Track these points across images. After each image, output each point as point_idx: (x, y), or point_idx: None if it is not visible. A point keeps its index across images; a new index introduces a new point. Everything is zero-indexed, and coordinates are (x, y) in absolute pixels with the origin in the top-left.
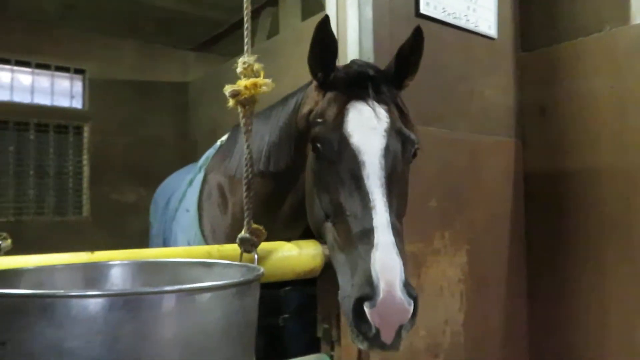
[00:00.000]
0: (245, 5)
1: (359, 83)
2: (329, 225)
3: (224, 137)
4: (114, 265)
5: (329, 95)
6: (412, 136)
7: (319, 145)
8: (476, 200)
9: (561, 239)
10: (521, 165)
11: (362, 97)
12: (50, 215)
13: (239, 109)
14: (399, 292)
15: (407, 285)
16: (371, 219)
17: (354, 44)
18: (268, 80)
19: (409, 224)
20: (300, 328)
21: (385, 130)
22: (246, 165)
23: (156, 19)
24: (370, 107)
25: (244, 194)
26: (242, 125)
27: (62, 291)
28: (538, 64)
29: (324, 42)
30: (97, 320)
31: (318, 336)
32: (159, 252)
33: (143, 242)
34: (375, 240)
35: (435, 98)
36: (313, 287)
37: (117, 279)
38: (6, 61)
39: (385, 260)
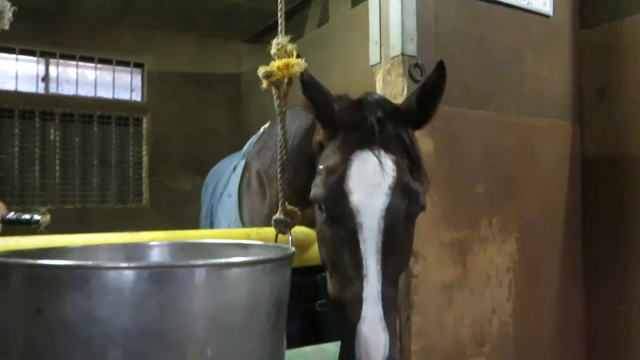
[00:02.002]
0: None
1: (365, 127)
2: (327, 274)
3: (267, 124)
4: (155, 245)
5: (334, 141)
6: (420, 190)
7: (322, 203)
8: (528, 187)
9: (622, 228)
10: (578, 150)
11: (368, 145)
12: (112, 203)
13: (273, 90)
14: None
15: (393, 353)
16: (362, 288)
17: (396, 27)
18: (300, 60)
19: (454, 209)
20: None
21: (390, 187)
22: (280, 147)
23: (211, 13)
24: (376, 157)
25: (278, 176)
26: (276, 107)
27: (92, 262)
28: (598, 42)
29: (313, 92)
30: (125, 292)
31: None
32: (199, 233)
33: (198, 228)
34: (363, 314)
35: (484, 80)
36: None
37: (156, 258)
38: (72, 57)
39: (370, 337)
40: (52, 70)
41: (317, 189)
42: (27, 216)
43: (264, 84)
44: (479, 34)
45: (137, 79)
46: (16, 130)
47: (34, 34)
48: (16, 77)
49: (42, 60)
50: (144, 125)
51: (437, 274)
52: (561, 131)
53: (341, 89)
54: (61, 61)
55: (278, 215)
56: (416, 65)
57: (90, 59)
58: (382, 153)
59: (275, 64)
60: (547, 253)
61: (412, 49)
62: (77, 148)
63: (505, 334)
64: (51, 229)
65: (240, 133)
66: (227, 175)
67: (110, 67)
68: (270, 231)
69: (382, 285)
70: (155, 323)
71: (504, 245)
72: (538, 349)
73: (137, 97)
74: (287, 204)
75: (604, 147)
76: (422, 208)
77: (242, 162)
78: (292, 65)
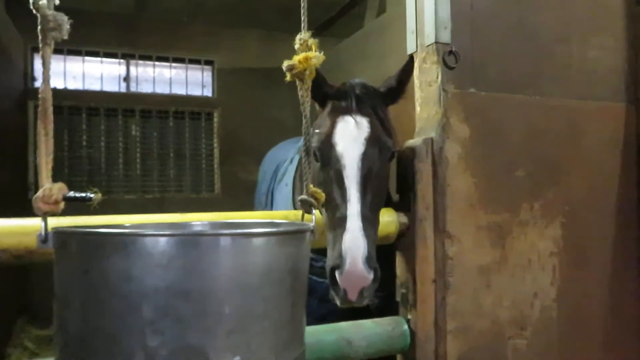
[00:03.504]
0: None
1: (346, 100)
2: (323, 211)
3: None
4: (197, 224)
5: (325, 110)
6: (389, 143)
7: (317, 152)
8: (574, 171)
9: None
10: (634, 133)
11: (349, 112)
12: (187, 192)
13: (297, 82)
14: (361, 265)
15: (369, 260)
16: (346, 209)
17: (430, 16)
18: (318, 54)
19: (492, 193)
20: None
21: (365, 139)
22: (304, 133)
23: (275, 7)
24: (354, 119)
25: (303, 160)
26: (299, 97)
27: (129, 230)
28: None
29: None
30: (154, 255)
31: (397, 300)
32: (242, 215)
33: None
34: (347, 225)
35: (525, 64)
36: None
37: None
38: (149, 58)
39: (352, 241)
40: (132, 71)
41: (314, 143)
42: (82, 194)
43: (288, 76)
44: (518, 17)
45: (208, 76)
46: (102, 127)
47: (115, 38)
48: (101, 78)
49: (123, 61)
50: (215, 119)
51: (474, 257)
52: (613, 113)
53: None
54: (140, 62)
55: (303, 196)
56: (450, 52)
57: (165, 59)
58: (359, 117)
59: (297, 58)
60: (596, 239)
61: (445, 37)
62: (155, 142)
63: (549, 319)
64: None
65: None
66: (285, 165)
67: (183, 65)
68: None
69: (361, 208)
70: (180, 282)
71: (547, 230)
72: (585, 336)
73: (208, 92)
74: (311, 185)
75: None
76: (392, 155)
77: (297, 156)
78: (311, 58)
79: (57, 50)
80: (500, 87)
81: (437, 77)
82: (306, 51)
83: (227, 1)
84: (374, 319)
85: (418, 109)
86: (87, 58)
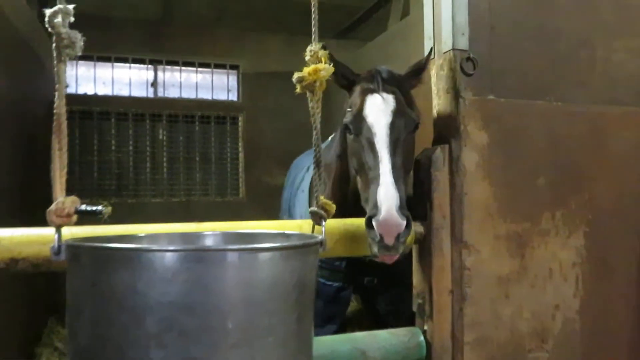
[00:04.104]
0: None
1: (373, 81)
2: (357, 178)
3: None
4: (210, 235)
5: (355, 92)
6: (413, 115)
7: (350, 125)
8: (598, 179)
9: None
10: None
11: (377, 90)
12: (213, 196)
13: (307, 94)
14: (395, 212)
15: (402, 208)
16: (378, 168)
17: (447, 22)
18: (327, 66)
19: (511, 202)
20: (384, 288)
21: (392, 111)
22: (315, 145)
23: (298, 12)
24: (381, 96)
25: (313, 172)
26: (310, 108)
27: (134, 245)
28: None
29: (339, 71)
30: (158, 270)
31: (413, 310)
32: (255, 224)
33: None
34: (381, 180)
35: (546, 69)
36: None
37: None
38: (176, 63)
39: (386, 193)
40: (160, 76)
41: (347, 119)
42: (94, 208)
43: (298, 88)
44: (539, 21)
45: (233, 80)
46: (130, 132)
47: (143, 45)
48: (130, 84)
49: (151, 67)
50: (240, 123)
51: (492, 267)
52: (639, 119)
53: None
54: (167, 67)
55: (313, 208)
56: (468, 58)
57: (191, 64)
58: (385, 94)
59: (306, 70)
60: (621, 249)
61: (463, 44)
62: (182, 146)
63: (571, 332)
64: (160, 219)
65: (329, 127)
66: (302, 173)
67: (209, 70)
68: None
69: (392, 167)
70: (184, 296)
71: (570, 240)
72: (610, 350)
73: (233, 97)
74: (322, 197)
75: None
76: (416, 125)
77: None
78: (320, 70)
79: (87, 57)
80: (520, 93)
81: (455, 84)
82: (316, 63)
83: (251, 6)
84: (389, 329)
85: (435, 116)
86: (116, 64)
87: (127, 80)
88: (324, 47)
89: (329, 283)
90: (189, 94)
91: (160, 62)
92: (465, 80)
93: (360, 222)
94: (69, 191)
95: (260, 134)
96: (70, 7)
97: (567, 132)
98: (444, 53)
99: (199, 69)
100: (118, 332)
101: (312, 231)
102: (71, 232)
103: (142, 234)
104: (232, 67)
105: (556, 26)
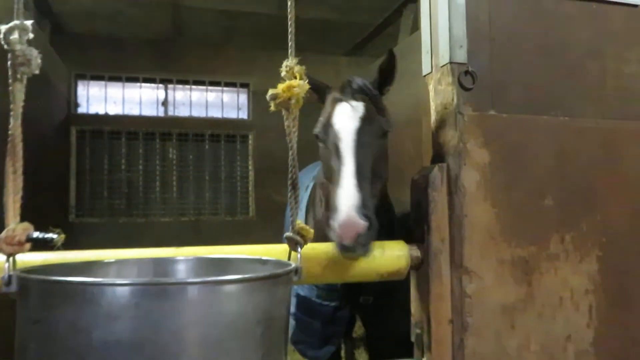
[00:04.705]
0: (289, 4)
1: (344, 91)
2: (327, 182)
3: None
4: (182, 260)
5: (326, 102)
6: (382, 121)
7: (319, 134)
8: (611, 199)
9: None
10: None
11: (345, 99)
12: (222, 215)
13: (283, 112)
14: (353, 213)
15: (361, 209)
16: (342, 171)
17: (444, 34)
18: (301, 82)
19: (516, 224)
20: (379, 307)
21: (359, 117)
22: (291, 166)
23: (308, 29)
24: (349, 104)
25: (289, 194)
26: (286, 127)
27: (75, 279)
28: None
29: (312, 85)
30: (103, 306)
31: (411, 340)
32: (237, 249)
33: None
34: (341, 183)
35: (552, 82)
36: None
37: (181, 273)
38: (186, 82)
39: (345, 194)
40: (170, 95)
41: (317, 128)
42: (46, 235)
43: (272, 105)
44: (544, 32)
45: (244, 98)
46: (140, 151)
47: (154, 64)
48: (140, 103)
49: (161, 86)
50: (250, 142)
51: (496, 294)
52: None
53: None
54: (177, 86)
55: (288, 233)
56: (467, 72)
57: (201, 83)
58: (354, 102)
59: (280, 86)
60: (638, 274)
61: (461, 56)
62: (192, 165)
63: None
64: (169, 238)
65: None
66: (301, 193)
67: (219, 88)
68: (309, 247)
69: (355, 171)
70: (130, 335)
71: (582, 265)
72: None
73: (243, 115)
74: (298, 222)
75: None
76: (385, 132)
77: (312, 184)
78: (294, 87)
79: (99, 77)
80: (524, 108)
81: (453, 99)
82: (292, 79)
83: (260, 25)
84: None
85: (434, 132)
86: (127, 83)
87: (138, 100)
88: (299, 63)
89: (326, 303)
90: (199, 112)
91: (170, 81)
92: (464, 95)
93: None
94: (82, 210)
95: (271, 152)
96: (28, 23)
97: (576, 148)
98: (442, 67)
99: (209, 88)
100: None
101: (289, 258)
102: (45, 259)
103: (112, 260)
104: (243, 85)
105: (562, 37)
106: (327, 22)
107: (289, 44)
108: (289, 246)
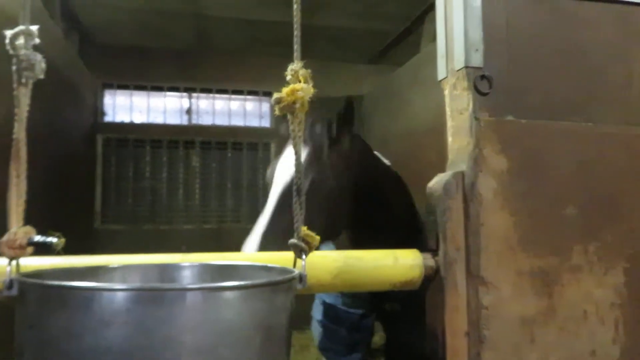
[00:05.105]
0: (294, 7)
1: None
2: None
3: None
4: (188, 266)
5: None
6: (316, 176)
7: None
8: (638, 208)
9: None
10: None
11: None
12: (244, 223)
13: (288, 116)
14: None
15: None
16: (260, 218)
17: (459, 38)
18: (305, 85)
19: (535, 234)
20: (406, 314)
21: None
22: (296, 171)
23: (330, 38)
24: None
25: (294, 200)
26: (290, 131)
27: (69, 283)
28: None
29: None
30: (95, 311)
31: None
32: (246, 256)
33: None
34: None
35: (573, 86)
36: None
37: (186, 279)
38: (209, 90)
39: (249, 242)
40: (194, 104)
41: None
42: (47, 239)
43: (276, 110)
44: (564, 35)
45: (266, 106)
46: (164, 159)
47: (178, 73)
48: (164, 112)
49: (185, 95)
50: (272, 150)
51: (514, 307)
52: None
53: None
54: (201, 95)
55: (292, 240)
56: (483, 77)
57: (224, 91)
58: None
59: (284, 90)
60: None
61: (477, 60)
62: (214, 173)
63: None
64: (192, 246)
65: None
66: None
67: (242, 97)
68: (318, 255)
69: (272, 216)
70: (121, 341)
71: (607, 277)
72: None
73: (265, 123)
74: (303, 228)
75: None
76: (320, 187)
77: None
78: (297, 90)
79: (124, 86)
80: (543, 113)
81: (468, 105)
82: (297, 82)
83: (283, 33)
84: None
85: (450, 139)
86: (151, 92)
87: (162, 108)
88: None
89: (352, 311)
90: (222, 121)
91: (194, 90)
92: (480, 99)
93: (363, 254)
94: (107, 216)
95: None
96: (34, 28)
97: (599, 156)
98: (457, 71)
99: (232, 96)
100: None
101: (294, 265)
102: (52, 263)
103: (118, 266)
104: (265, 93)
105: (585, 38)
106: (348, 30)
107: (295, 47)
108: (294, 253)
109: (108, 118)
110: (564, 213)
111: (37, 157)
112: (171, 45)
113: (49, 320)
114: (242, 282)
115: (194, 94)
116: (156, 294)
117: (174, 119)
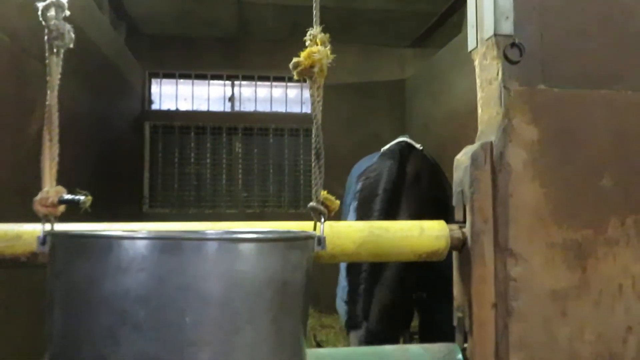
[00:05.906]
0: None
1: None
2: None
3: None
4: (211, 233)
5: None
6: None
7: None
8: None
9: None
10: None
11: None
12: (286, 208)
13: (308, 81)
14: None
15: None
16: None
17: (489, 5)
18: (322, 48)
19: (568, 205)
20: (436, 301)
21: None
22: (315, 135)
23: (371, 22)
24: None
25: (313, 164)
26: (310, 96)
27: (90, 232)
28: None
29: None
30: (113, 258)
31: (454, 325)
32: (274, 224)
33: None
34: None
35: (612, 53)
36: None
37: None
38: (251, 78)
39: None
40: (236, 91)
41: None
42: (75, 197)
43: (295, 74)
44: (604, 0)
45: (307, 93)
46: (208, 145)
47: (221, 61)
48: (208, 99)
49: (228, 82)
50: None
51: (545, 279)
52: None
53: None
54: (243, 82)
55: (312, 203)
56: (513, 44)
57: (266, 78)
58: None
59: (302, 54)
60: None
61: (507, 28)
62: (257, 158)
63: None
64: None
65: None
66: (352, 186)
67: (283, 83)
68: (343, 225)
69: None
70: (138, 287)
71: None
72: None
73: (307, 109)
74: (323, 192)
75: None
76: None
77: (360, 184)
78: (314, 53)
79: (170, 75)
80: (578, 81)
81: (498, 74)
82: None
83: (324, 18)
84: (423, 344)
85: (480, 110)
86: (196, 81)
87: (206, 96)
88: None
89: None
90: (264, 107)
91: (237, 77)
92: (510, 68)
93: (389, 224)
94: (154, 201)
95: (334, 146)
96: (64, 0)
97: (638, 125)
98: (486, 40)
99: (274, 83)
100: (76, 326)
101: (314, 229)
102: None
103: (145, 232)
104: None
105: (626, 2)
106: (389, 12)
107: (314, 12)
108: (313, 216)
109: (155, 106)
110: (600, 184)
111: (89, 143)
112: (214, 34)
113: (73, 267)
114: (256, 235)
115: (237, 82)
116: (170, 243)
117: (218, 106)
